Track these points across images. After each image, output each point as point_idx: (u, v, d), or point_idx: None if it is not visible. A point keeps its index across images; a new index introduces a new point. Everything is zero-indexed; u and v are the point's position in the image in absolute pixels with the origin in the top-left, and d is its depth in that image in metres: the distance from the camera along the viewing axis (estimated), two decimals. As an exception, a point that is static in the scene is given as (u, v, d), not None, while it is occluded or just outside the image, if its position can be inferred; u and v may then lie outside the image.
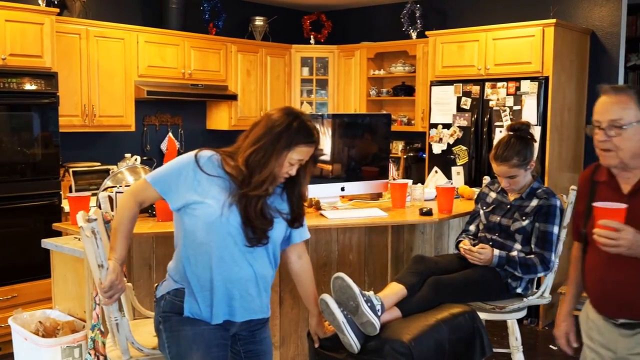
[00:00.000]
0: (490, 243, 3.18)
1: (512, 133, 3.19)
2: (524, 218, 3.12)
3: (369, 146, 4.07)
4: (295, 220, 2.30)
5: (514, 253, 3.10)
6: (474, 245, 3.17)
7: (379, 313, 2.60)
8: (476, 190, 4.02)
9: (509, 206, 3.21)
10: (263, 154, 2.12)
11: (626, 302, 2.09)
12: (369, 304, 2.55)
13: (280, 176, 2.18)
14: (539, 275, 3.12)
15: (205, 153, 2.19)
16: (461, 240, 3.28)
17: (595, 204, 2.02)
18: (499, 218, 3.21)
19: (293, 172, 2.19)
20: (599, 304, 2.19)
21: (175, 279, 2.22)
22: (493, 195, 3.32)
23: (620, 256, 1.98)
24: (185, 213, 2.17)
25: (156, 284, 2.33)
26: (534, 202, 3.14)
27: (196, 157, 2.17)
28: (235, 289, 2.17)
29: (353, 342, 2.51)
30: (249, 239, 2.15)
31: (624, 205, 1.97)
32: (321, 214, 3.53)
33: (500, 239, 3.19)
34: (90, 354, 2.63)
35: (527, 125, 3.24)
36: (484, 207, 3.31)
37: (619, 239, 1.93)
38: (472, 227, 3.39)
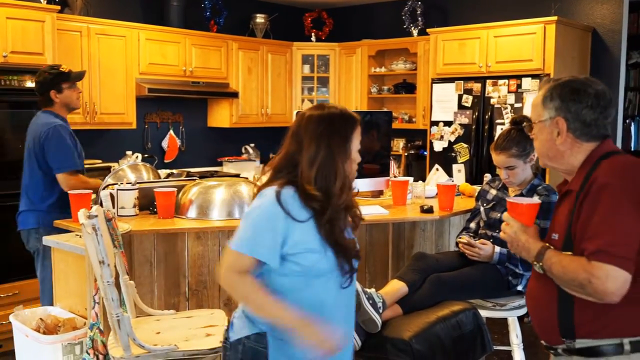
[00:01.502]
0: (491, 240, 3.18)
1: (514, 126, 3.21)
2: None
3: (370, 143, 4.06)
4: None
5: None
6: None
7: (381, 310, 2.60)
8: (477, 188, 4.02)
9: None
10: (328, 163, 1.90)
11: (537, 323, 2.00)
12: (370, 302, 2.56)
13: (352, 172, 1.99)
14: None
15: (287, 193, 1.88)
16: (458, 234, 3.31)
17: (507, 199, 2.12)
18: (499, 215, 3.21)
19: (359, 157, 2.01)
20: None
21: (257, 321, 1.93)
22: (494, 192, 3.33)
23: (536, 274, 1.96)
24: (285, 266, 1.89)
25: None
26: (535, 199, 3.13)
27: (281, 203, 1.86)
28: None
29: (354, 339, 2.51)
30: (345, 272, 1.93)
31: (523, 200, 2.06)
32: (322, 212, 3.53)
33: (498, 241, 3.18)
34: (89, 354, 2.63)
35: (530, 119, 3.23)
36: (485, 204, 3.31)
37: (504, 230, 2.02)
38: (472, 225, 3.39)
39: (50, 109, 3.71)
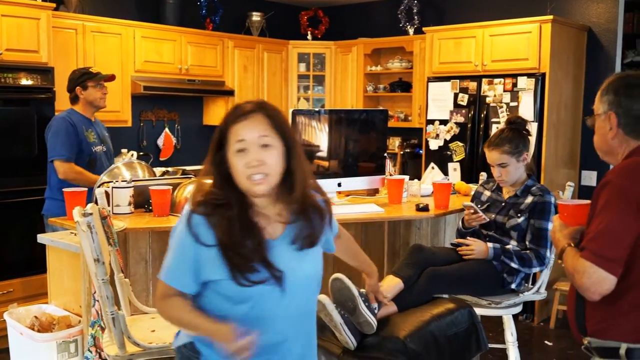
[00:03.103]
0: (487, 239, 3.19)
1: (508, 126, 3.25)
2: (519, 215, 3.15)
3: (366, 142, 4.06)
4: None
5: (509, 246, 3.13)
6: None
7: (376, 311, 2.61)
8: (473, 186, 4.02)
9: (503, 204, 3.24)
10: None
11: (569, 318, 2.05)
12: (366, 304, 2.56)
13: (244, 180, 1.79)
14: (535, 270, 3.13)
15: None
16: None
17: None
18: (494, 215, 3.23)
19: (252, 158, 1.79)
20: None
21: None
22: (488, 193, 3.36)
23: None
24: None
25: None
26: (529, 199, 3.15)
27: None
28: None
29: (350, 340, 2.51)
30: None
31: (572, 202, 2.07)
32: (318, 210, 3.53)
33: (497, 235, 3.21)
34: (91, 352, 2.62)
35: (524, 120, 3.30)
36: (479, 205, 3.32)
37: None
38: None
39: (75, 106, 3.98)
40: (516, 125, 3.24)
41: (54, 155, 3.81)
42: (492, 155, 3.18)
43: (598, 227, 1.78)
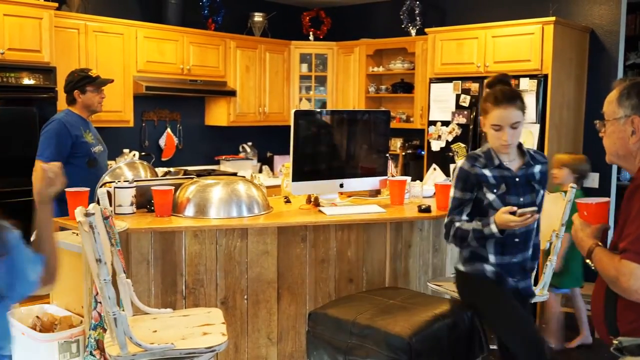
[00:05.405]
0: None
1: (502, 83, 2.88)
2: (538, 187, 2.82)
3: (368, 143, 4.06)
4: None
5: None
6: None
7: None
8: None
9: (517, 179, 2.78)
10: None
11: (593, 319, 2.07)
12: None
13: None
14: None
15: None
16: (460, 226, 2.77)
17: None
18: (521, 198, 2.75)
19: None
20: None
21: None
22: (491, 173, 2.77)
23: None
24: None
25: None
26: (537, 168, 2.85)
27: None
28: None
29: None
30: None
31: (593, 200, 2.06)
32: (320, 211, 3.53)
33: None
34: (94, 355, 2.62)
35: (507, 75, 2.96)
36: (494, 190, 2.74)
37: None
38: (464, 217, 2.84)
39: (72, 107, 3.99)
40: (507, 80, 2.91)
41: (39, 156, 3.82)
42: (506, 114, 2.71)
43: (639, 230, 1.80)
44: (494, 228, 2.66)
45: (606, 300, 1.93)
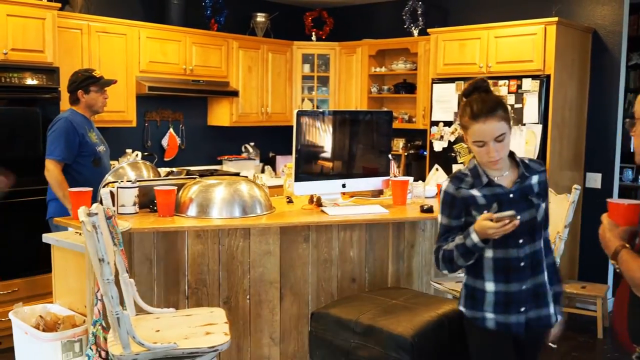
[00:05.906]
0: (520, 249, 2.42)
1: (480, 91, 2.48)
2: (537, 199, 2.44)
3: (370, 143, 4.06)
4: None
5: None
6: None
7: None
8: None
9: (511, 195, 2.40)
10: None
11: (614, 325, 2.01)
12: None
13: None
14: None
15: None
16: (446, 248, 2.46)
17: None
18: (519, 217, 2.30)
19: None
20: None
21: None
22: (480, 192, 2.42)
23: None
24: None
25: None
26: (534, 178, 2.46)
27: None
28: None
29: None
30: None
31: (624, 202, 2.00)
32: (322, 211, 3.53)
33: (528, 236, 2.43)
34: (92, 349, 2.63)
35: (485, 80, 2.55)
36: (485, 211, 2.36)
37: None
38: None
39: (75, 107, 4.04)
40: (486, 87, 2.50)
41: (50, 155, 3.86)
42: (487, 128, 2.34)
43: None
44: (474, 237, 2.32)
45: (630, 305, 1.86)
